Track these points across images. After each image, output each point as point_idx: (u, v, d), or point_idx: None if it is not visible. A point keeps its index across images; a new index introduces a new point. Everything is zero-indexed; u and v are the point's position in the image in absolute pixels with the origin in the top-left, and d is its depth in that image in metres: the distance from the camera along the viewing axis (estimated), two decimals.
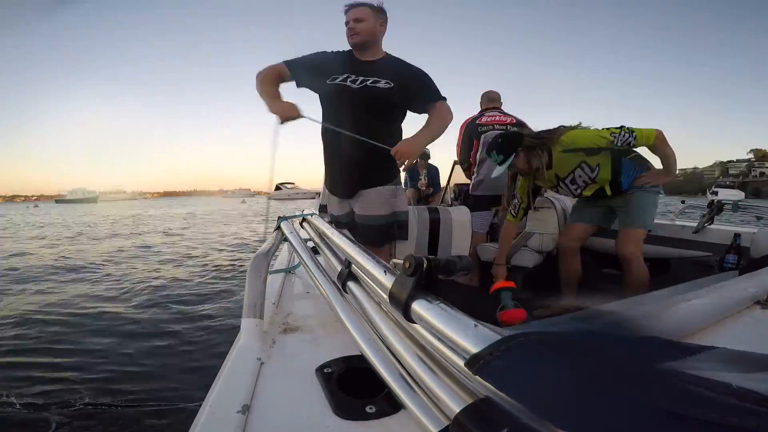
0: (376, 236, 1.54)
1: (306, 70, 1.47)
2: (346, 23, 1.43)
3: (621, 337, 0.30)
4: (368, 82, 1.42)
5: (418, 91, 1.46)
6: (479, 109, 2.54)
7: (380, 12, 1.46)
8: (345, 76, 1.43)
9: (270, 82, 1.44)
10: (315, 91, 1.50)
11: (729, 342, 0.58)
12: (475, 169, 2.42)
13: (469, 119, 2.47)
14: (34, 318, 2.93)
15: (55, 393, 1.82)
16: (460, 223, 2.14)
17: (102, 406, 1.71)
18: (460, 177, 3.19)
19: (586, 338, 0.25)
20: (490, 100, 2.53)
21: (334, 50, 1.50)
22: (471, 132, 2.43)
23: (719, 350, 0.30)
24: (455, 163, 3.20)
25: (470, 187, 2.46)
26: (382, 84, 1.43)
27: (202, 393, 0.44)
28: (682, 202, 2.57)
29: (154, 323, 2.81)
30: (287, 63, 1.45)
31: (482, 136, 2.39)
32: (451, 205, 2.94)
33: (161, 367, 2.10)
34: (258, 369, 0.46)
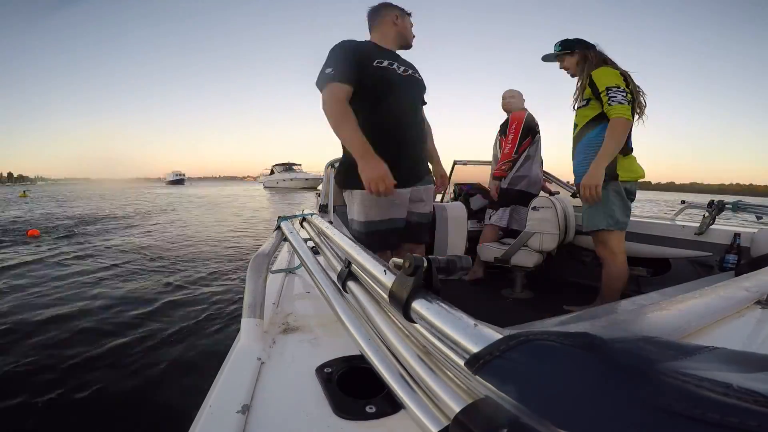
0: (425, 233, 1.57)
1: (354, 70, 1.29)
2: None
3: (621, 337, 0.30)
4: (410, 72, 1.43)
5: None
6: (521, 106, 2.48)
7: None
8: (388, 62, 1.35)
9: (350, 118, 1.23)
10: (360, 81, 1.29)
11: (729, 342, 0.59)
12: (520, 163, 2.42)
13: (524, 112, 2.42)
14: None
15: (48, 390, 1.81)
16: (456, 219, 2.14)
17: (99, 405, 1.71)
18: (458, 177, 3.18)
19: (586, 338, 0.25)
20: (522, 101, 2.54)
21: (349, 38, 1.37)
22: (532, 126, 2.42)
23: (719, 350, 0.30)
24: (455, 162, 3.19)
25: (508, 180, 2.45)
26: (419, 75, 1.47)
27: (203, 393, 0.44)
28: (682, 202, 2.57)
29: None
30: (342, 80, 1.25)
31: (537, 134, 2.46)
32: None
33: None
34: (258, 369, 0.46)
